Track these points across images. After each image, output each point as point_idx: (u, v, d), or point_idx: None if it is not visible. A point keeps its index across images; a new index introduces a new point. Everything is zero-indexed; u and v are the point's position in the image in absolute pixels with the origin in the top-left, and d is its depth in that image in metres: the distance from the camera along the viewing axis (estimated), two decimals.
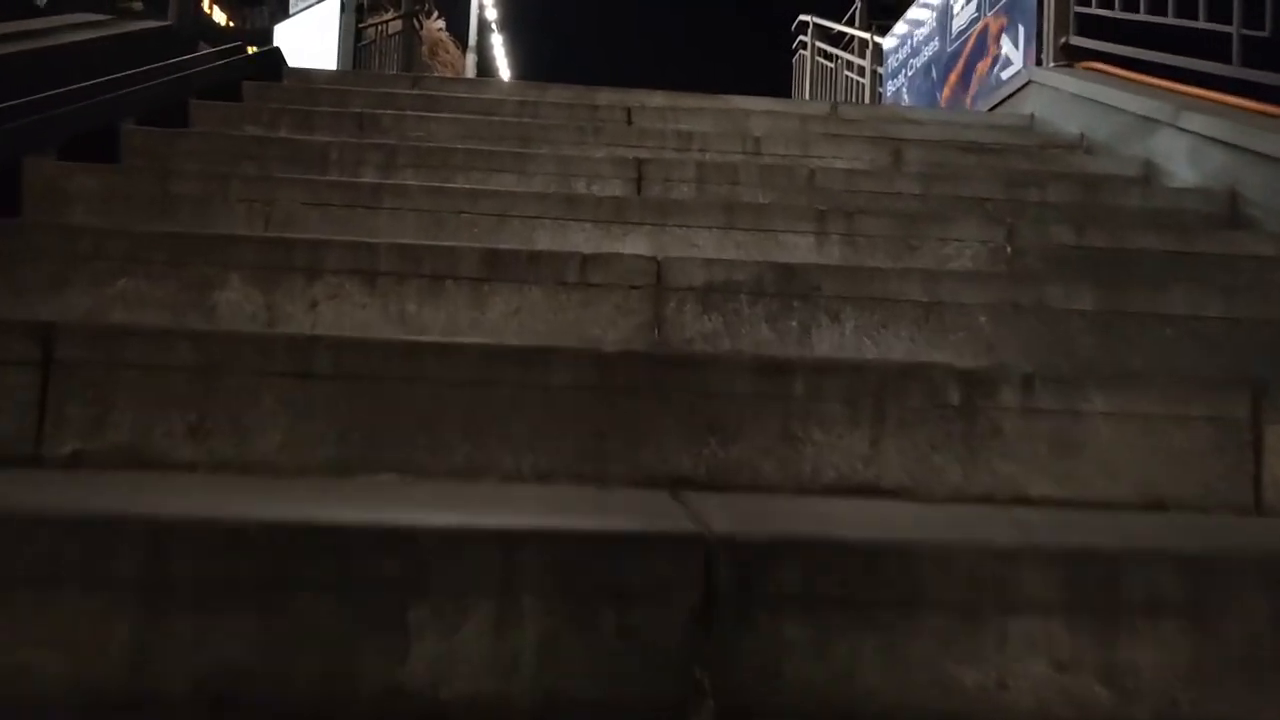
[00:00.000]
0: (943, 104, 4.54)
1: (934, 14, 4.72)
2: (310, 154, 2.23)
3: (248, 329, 1.37)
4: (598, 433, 1.12)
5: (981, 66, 4.10)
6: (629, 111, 3.04)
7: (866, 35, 5.98)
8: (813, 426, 1.13)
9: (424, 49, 8.35)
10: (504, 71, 18.62)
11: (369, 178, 2.18)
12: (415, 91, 3.26)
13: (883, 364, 1.35)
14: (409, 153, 2.39)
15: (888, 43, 5.54)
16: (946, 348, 1.52)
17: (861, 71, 6.38)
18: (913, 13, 5.15)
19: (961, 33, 4.34)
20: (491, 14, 16.49)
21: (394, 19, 7.05)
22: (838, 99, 6.76)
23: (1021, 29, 3.73)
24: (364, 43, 6.22)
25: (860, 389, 1.15)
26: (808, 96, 7.54)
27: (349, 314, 1.45)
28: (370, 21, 6.37)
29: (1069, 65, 3.43)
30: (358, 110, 2.81)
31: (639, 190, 2.25)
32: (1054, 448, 1.14)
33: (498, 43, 17.76)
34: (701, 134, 2.92)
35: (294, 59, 8.59)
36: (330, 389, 1.10)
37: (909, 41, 5.10)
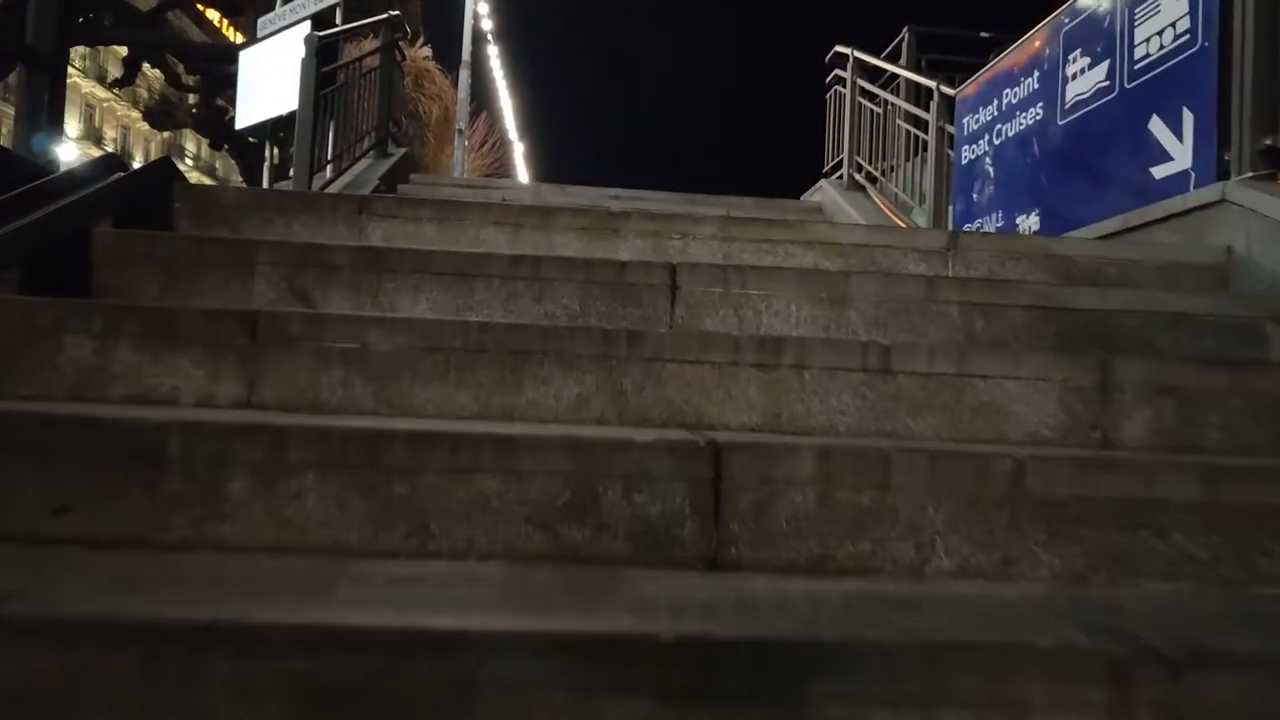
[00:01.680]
0: (1049, 192, 3.57)
1: (1037, 73, 3.74)
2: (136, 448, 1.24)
3: None
4: None
5: (1119, 157, 3.13)
6: (672, 274, 2.06)
7: (929, 83, 5.00)
8: None
9: (407, 81, 7.36)
10: (501, 90, 17.62)
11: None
12: (358, 243, 2.28)
13: None
14: (311, 410, 1.43)
15: (962, 96, 4.57)
16: None
17: (918, 123, 5.40)
18: (1002, 65, 4.17)
19: (1083, 104, 3.37)
20: (487, 24, 15.49)
21: (369, 54, 6.05)
22: (892, 160, 5.77)
23: (1190, 117, 2.76)
24: (333, 87, 5.21)
25: None
26: (847, 146, 6.55)
27: None
28: (338, 63, 5.36)
29: (1275, 178, 2.46)
30: (264, 287, 1.84)
31: (716, 527, 1.27)
32: None
33: (493, 54, 16.76)
34: (786, 317, 1.95)
35: (253, 99, 7.60)
36: None
37: (995, 100, 4.13)
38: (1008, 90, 4.00)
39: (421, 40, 7.70)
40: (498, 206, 2.41)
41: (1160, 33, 2.92)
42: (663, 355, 1.63)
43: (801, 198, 7.37)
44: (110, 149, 48.07)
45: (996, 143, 4.08)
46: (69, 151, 43.04)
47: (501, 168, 25.42)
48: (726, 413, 1.62)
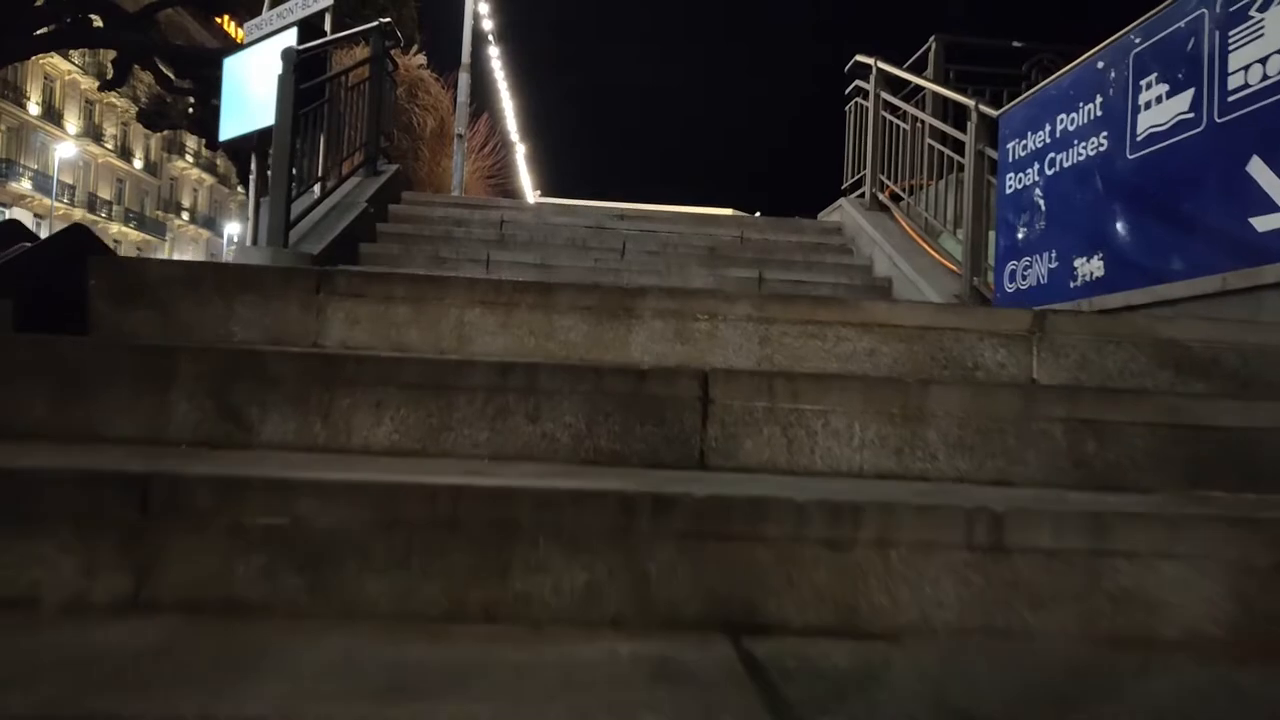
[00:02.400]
0: (1116, 235, 3.15)
1: (1099, 98, 3.32)
2: None
3: None
4: None
5: (1207, 202, 2.70)
6: (703, 383, 1.63)
7: (967, 101, 4.57)
8: None
9: (400, 91, 6.94)
10: (503, 91, 17.22)
11: None
12: (308, 347, 1.86)
13: None
14: (221, 611, 1.01)
15: (1006, 118, 4.14)
16: None
17: (951, 143, 4.98)
18: (1055, 85, 3.74)
19: (1159, 137, 2.95)
20: (488, 24, 15.05)
21: (357, 66, 5.63)
22: (919, 178, 5.34)
23: None
24: (317, 103, 4.79)
25: None
26: (870, 163, 6.12)
27: None
28: (324, 76, 4.95)
29: None
30: (186, 406, 1.42)
31: None
32: None
33: (494, 55, 16.32)
34: (847, 438, 1.53)
35: (238, 109, 7.17)
36: None
37: (1047, 125, 3.70)
38: (1062, 115, 3.57)
39: (415, 47, 7.27)
40: (484, 283, 1.99)
41: (1264, 60, 2.49)
42: (700, 528, 1.21)
43: (819, 216, 6.94)
44: (110, 146, 47.69)
45: (1049, 173, 3.66)
46: (68, 149, 42.67)
47: (503, 170, 24.99)
48: (786, 606, 1.20)
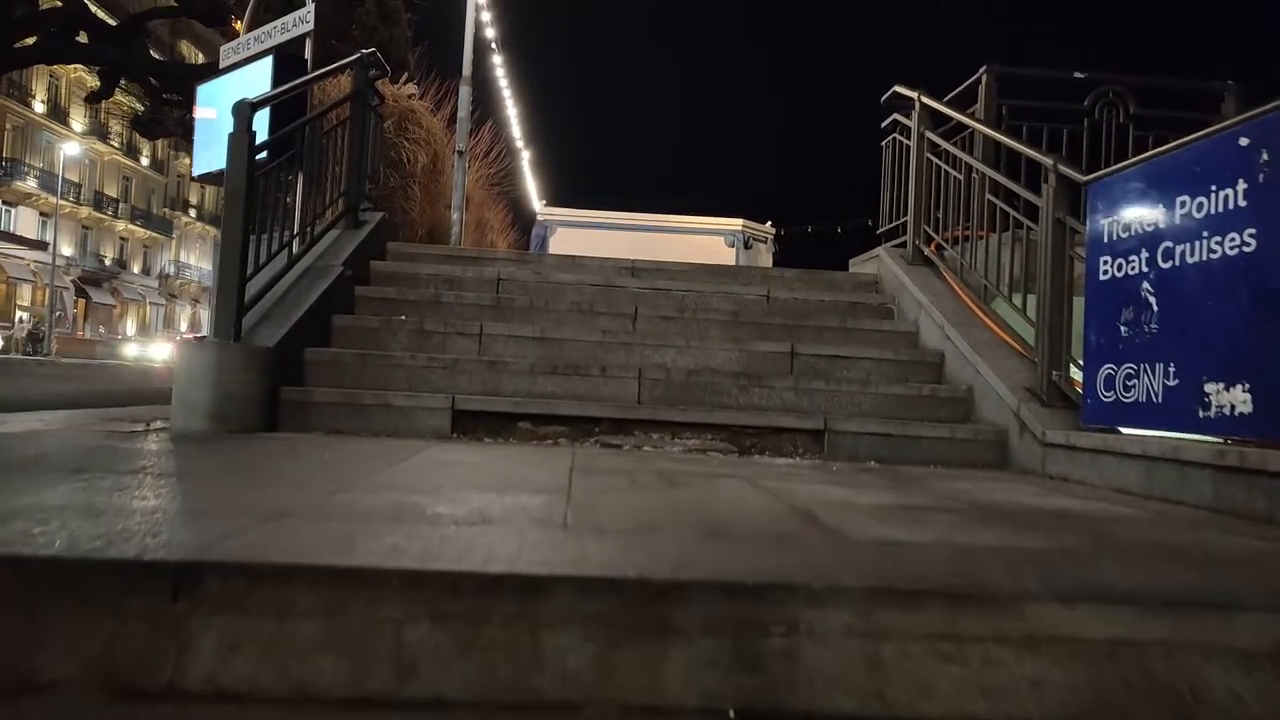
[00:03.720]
0: (1274, 362, 2.46)
1: (1243, 183, 2.63)
2: None
3: None
4: None
5: None
6: None
7: (1045, 160, 3.87)
8: None
9: (389, 124, 6.28)
10: (506, 98, 16.52)
11: None
12: (160, 689, 1.19)
13: None
14: None
15: (1100, 185, 3.44)
16: None
17: (1018, 201, 4.28)
18: (1170, 160, 3.05)
19: None
20: (491, 32, 14.37)
21: (336, 105, 4.97)
22: (976, 230, 4.62)
23: None
24: (286, 155, 4.14)
25: None
26: (913, 210, 5.42)
27: None
28: (289, 126, 4.29)
29: None
30: None
31: None
32: None
33: (498, 63, 15.64)
34: None
35: (213, 142, 6.52)
36: None
37: (1163, 203, 3.01)
38: (1183, 196, 2.88)
39: (405, 76, 6.59)
40: (435, 579, 1.28)
41: None
42: None
43: (851, 265, 6.25)
44: (116, 144, 47.16)
45: (1163, 265, 2.97)
46: (72, 148, 42.22)
47: (508, 177, 24.26)
48: None
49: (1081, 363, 3.51)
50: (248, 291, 3.77)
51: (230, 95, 6.38)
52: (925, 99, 5.44)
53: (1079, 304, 3.59)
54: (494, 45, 14.93)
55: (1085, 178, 3.59)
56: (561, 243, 12.83)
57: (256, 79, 5.95)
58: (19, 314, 41.07)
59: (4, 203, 41.64)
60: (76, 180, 45.06)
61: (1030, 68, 5.75)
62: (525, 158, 23.15)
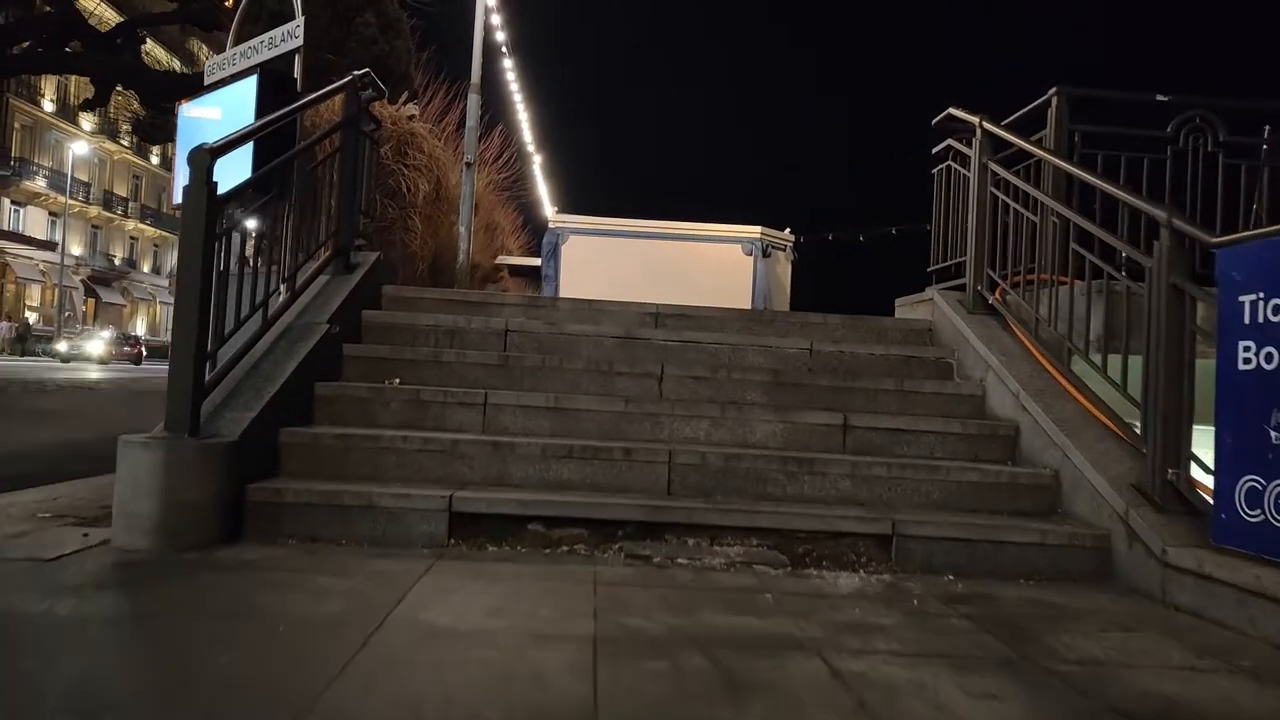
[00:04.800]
0: None
1: None
2: None
3: None
4: None
5: None
6: None
7: (1157, 213, 3.24)
8: None
9: (387, 149, 5.70)
10: (518, 103, 15.94)
11: None
12: None
13: None
14: None
15: (1239, 251, 2.82)
16: None
17: (1112, 256, 3.66)
18: None
19: None
20: (501, 36, 13.76)
21: (326, 135, 4.39)
22: (1051, 275, 3.98)
23: None
24: (262, 201, 3.59)
25: None
26: (973, 250, 4.79)
27: None
28: (266, 167, 3.72)
29: None
30: None
31: None
32: None
33: (509, 68, 15.04)
34: None
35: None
36: None
37: None
38: None
39: (406, 95, 6.00)
40: None
41: None
42: None
43: (898, 307, 5.63)
44: (125, 142, 46.79)
45: None
46: (81, 147, 41.93)
47: (519, 182, 23.70)
48: None
49: (1208, 463, 2.90)
50: (216, 362, 3.21)
51: (210, 119, 5.83)
52: (988, 125, 4.81)
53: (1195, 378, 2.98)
54: (505, 49, 14.33)
55: (1216, 239, 2.97)
56: (574, 250, 12.26)
57: (247, 96, 5.40)
58: (27, 313, 40.83)
59: (13, 202, 41.41)
60: (86, 179, 44.79)
61: (1104, 89, 5.11)
62: (537, 162, 22.58)
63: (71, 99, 43.11)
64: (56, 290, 40.78)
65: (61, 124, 43.23)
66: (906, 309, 5.48)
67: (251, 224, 3.72)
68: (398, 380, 4.07)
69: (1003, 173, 4.69)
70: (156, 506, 2.75)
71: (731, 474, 3.53)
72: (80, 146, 42.68)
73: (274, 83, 5.17)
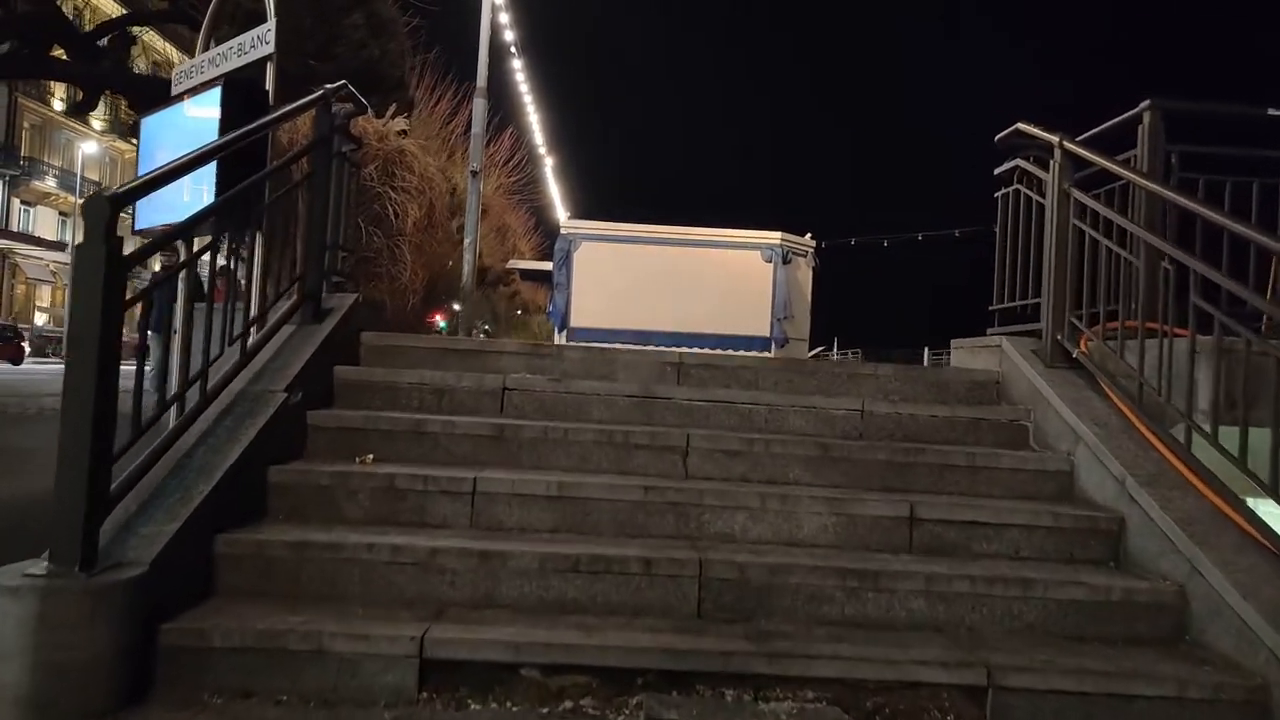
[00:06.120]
0: None
1: None
2: None
3: None
4: None
5: None
6: None
7: None
8: None
9: (371, 169, 5.03)
10: (528, 104, 15.30)
11: None
12: None
13: None
14: None
15: None
16: None
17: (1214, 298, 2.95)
18: None
19: None
20: (510, 35, 13.09)
21: (286, 163, 3.72)
22: (1157, 323, 3.25)
23: None
24: (196, 252, 2.93)
25: None
26: (1052, 291, 4.05)
27: None
28: (209, 206, 3.07)
29: None
30: None
31: None
32: None
33: (518, 68, 14.39)
34: None
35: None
36: None
37: None
38: None
39: (394, 109, 5.30)
40: None
41: None
42: None
43: (955, 351, 4.90)
44: (136, 141, 46.43)
45: None
46: (91, 146, 41.66)
47: (530, 185, 23.00)
48: None
49: None
50: (132, 454, 2.55)
51: (181, 131, 5.16)
52: (1069, 145, 4.08)
53: None
54: (514, 49, 13.66)
55: None
56: (587, 257, 11.59)
57: (206, 116, 4.74)
58: (38, 316, 40.58)
59: (23, 203, 41.21)
60: (96, 179, 44.47)
61: (1204, 101, 4.37)
62: (549, 164, 21.89)
63: (81, 98, 42.85)
64: (66, 291, 40.49)
65: (71, 123, 42.92)
66: (967, 355, 4.76)
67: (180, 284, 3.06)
68: (370, 457, 3.39)
69: (1090, 203, 3.96)
70: (24, 673, 2.09)
71: (777, 591, 2.84)
72: (90, 146, 42.38)
73: (241, 95, 4.50)
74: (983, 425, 3.95)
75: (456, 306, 11.17)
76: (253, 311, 3.39)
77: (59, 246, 40.77)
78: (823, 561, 2.94)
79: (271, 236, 3.67)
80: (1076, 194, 4.04)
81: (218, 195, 4.10)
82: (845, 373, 4.33)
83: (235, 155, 3.54)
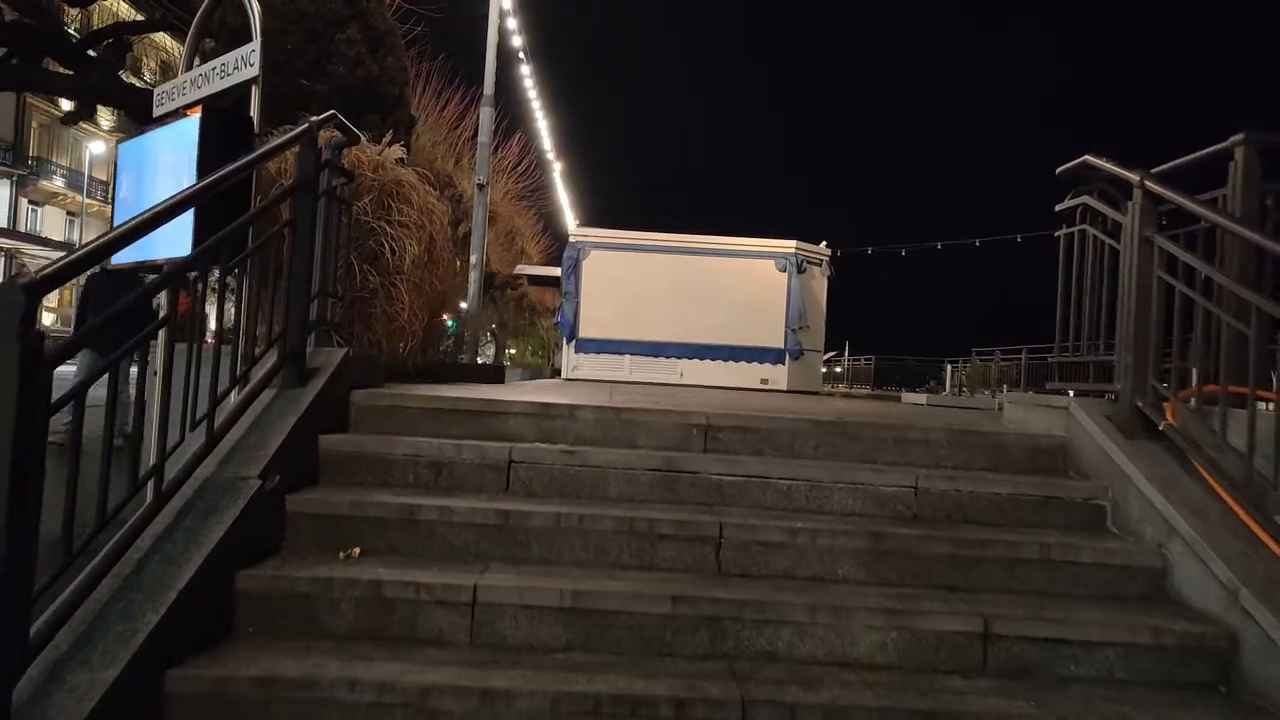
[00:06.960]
0: None
1: None
2: None
3: None
4: None
5: None
6: None
7: None
8: None
9: (365, 203, 4.57)
10: (536, 110, 14.87)
11: None
12: None
13: None
14: None
15: None
16: None
17: None
18: None
19: None
20: (517, 41, 12.63)
21: (264, 209, 3.27)
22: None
23: None
24: (138, 337, 2.49)
25: None
26: (1132, 351, 3.57)
27: None
28: (159, 282, 2.62)
29: None
30: None
31: None
32: None
33: (526, 74, 13.93)
34: None
35: (135, 213, 4.82)
36: None
37: None
38: None
39: (389, 137, 4.84)
40: None
41: None
42: None
43: (1008, 408, 4.42)
44: None
45: None
46: (99, 145, 41.45)
47: (539, 190, 22.46)
48: None
49: None
50: (65, 580, 2.12)
51: (160, 157, 4.72)
52: (1152, 185, 3.59)
53: None
54: (522, 55, 13.20)
55: None
56: (596, 266, 11.14)
57: (187, 142, 4.30)
58: (45, 316, 40.42)
59: (30, 202, 41.05)
60: (104, 178, 44.27)
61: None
62: (557, 169, 21.42)
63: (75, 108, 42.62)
64: (75, 291, 40.32)
65: (79, 122, 42.67)
66: (1023, 410, 4.27)
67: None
68: (357, 551, 2.95)
69: (1180, 253, 3.48)
70: None
71: None
72: (98, 145, 42.17)
73: (221, 124, 4.06)
74: (1053, 505, 3.48)
75: (464, 305, 10.70)
76: (222, 384, 2.94)
77: (66, 246, 40.61)
78: (888, 701, 2.47)
79: (248, 291, 3.22)
80: (1162, 242, 3.56)
81: (198, 240, 3.68)
82: (892, 437, 3.85)
83: (213, 200, 3.10)
